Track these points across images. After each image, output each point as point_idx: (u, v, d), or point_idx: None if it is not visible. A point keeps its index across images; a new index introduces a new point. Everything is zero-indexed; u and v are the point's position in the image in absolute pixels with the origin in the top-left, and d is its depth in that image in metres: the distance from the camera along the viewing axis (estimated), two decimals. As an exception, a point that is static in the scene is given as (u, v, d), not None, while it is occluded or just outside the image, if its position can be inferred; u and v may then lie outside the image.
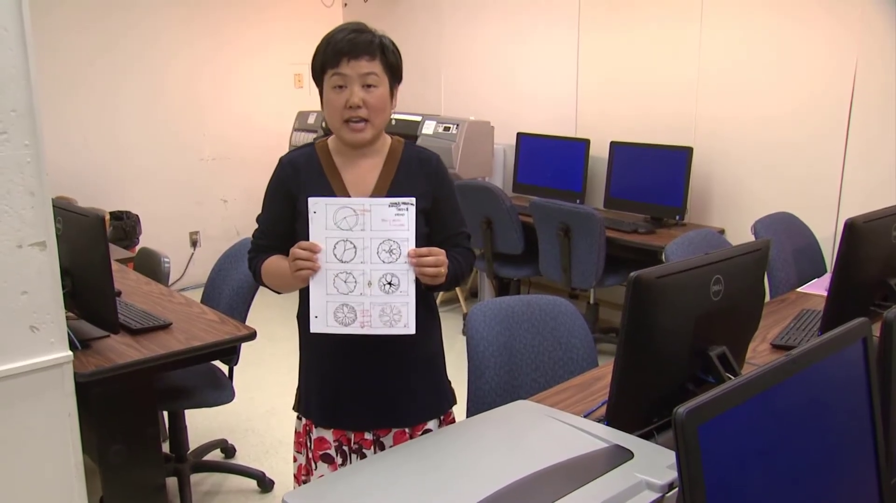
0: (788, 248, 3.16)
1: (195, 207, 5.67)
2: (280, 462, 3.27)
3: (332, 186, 1.75)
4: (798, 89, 3.83)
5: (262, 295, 2.36)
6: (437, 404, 1.90)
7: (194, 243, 5.73)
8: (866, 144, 3.63)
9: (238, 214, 5.86)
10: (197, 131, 5.63)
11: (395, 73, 1.74)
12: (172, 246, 5.17)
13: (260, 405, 3.72)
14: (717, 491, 0.89)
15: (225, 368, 2.85)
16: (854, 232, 2.03)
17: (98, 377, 2.11)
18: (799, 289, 2.87)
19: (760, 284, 1.86)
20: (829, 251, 3.57)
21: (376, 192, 1.75)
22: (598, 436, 1.45)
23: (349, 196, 1.74)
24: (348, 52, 1.66)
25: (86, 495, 2.11)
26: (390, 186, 1.76)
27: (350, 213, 1.61)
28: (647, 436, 1.55)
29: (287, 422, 3.70)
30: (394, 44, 1.75)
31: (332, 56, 1.67)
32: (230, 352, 2.53)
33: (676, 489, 1.30)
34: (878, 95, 3.56)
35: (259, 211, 1.87)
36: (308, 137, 5.83)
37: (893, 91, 3.51)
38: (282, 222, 1.79)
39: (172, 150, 5.53)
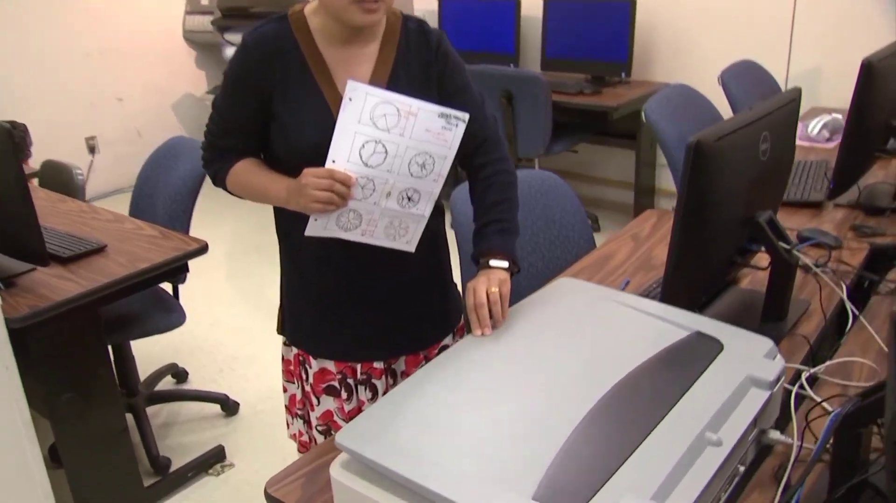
0: (756, 97, 3.01)
1: (89, 110, 5.07)
2: (238, 380, 3.02)
3: (316, 81, 1.39)
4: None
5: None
6: (448, 317, 1.65)
7: (92, 149, 5.17)
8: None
9: (137, 113, 5.31)
10: (78, 21, 4.95)
11: None
12: (68, 155, 4.56)
13: (201, 319, 3.39)
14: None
15: (168, 287, 2.53)
16: (871, 72, 1.87)
17: (34, 320, 1.78)
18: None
19: (794, 137, 1.70)
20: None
21: (373, 83, 1.40)
22: (673, 322, 1.26)
23: (336, 89, 1.40)
24: None
25: (40, 455, 1.82)
26: (389, 78, 1.43)
27: (392, 112, 1.30)
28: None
29: (234, 333, 3.43)
30: None
31: None
32: (180, 269, 2.21)
33: (780, 385, 1.12)
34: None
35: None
36: (204, 20, 5.25)
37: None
38: (247, 120, 1.43)
39: (53, 46, 4.84)
